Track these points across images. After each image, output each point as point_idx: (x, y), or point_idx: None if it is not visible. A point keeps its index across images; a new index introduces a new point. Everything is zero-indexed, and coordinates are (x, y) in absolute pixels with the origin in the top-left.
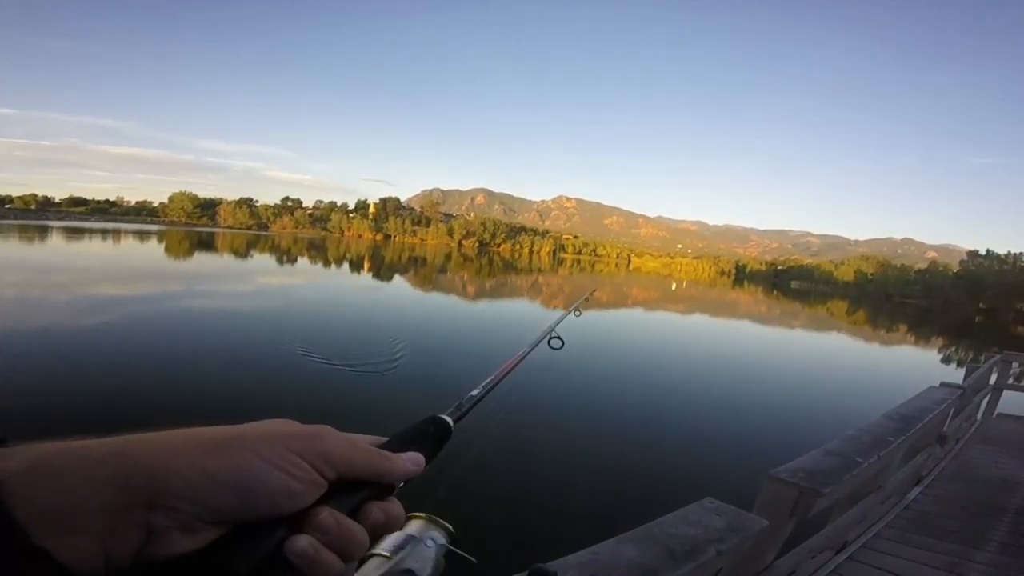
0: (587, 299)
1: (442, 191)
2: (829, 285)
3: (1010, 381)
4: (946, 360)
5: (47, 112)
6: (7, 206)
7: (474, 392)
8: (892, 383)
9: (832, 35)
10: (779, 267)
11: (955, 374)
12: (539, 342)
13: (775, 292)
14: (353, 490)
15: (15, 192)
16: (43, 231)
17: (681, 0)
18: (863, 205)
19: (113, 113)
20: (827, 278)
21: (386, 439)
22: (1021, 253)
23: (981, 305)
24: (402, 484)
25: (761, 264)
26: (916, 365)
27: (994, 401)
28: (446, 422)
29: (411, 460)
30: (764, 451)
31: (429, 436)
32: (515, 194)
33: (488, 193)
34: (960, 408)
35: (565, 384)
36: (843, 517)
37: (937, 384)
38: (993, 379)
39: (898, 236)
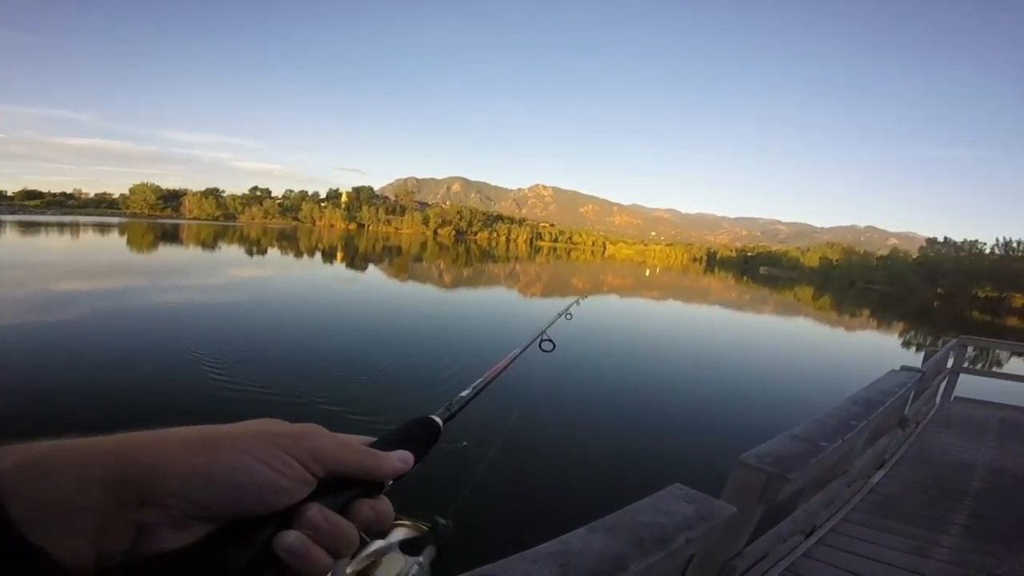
0: (578, 303)
1: (417, 180)
2: (796, 271)
3: (965, 365)
4: (906, 344)
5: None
6: None
7: (464, 393)
8: (856, 367)
9: (799, 27)
10: (749, 254)
11: (915, 358)
12: (529, 345)
13: (745, 278)
14: (343, 488)
15: None
16: None
17: None
18: (829, 194)
19: (70, 104)
20: (794, 264)
21: (375, 439)
22: (977, 241)
23: (940, 291)
24: (391, 483)
25: (731, 251)
26: (878, 349)
27: (951, 385)
28: (435, 422)
29: (400, 458)
30: (733, 436)
31: (418, 436)
32: (492, 182)
33: (464, 181)
34: (920, 392)
35: (536, 372)
36: (811, 501)
37: (898, 368)
38: (950, 363)
39: (861, 224)
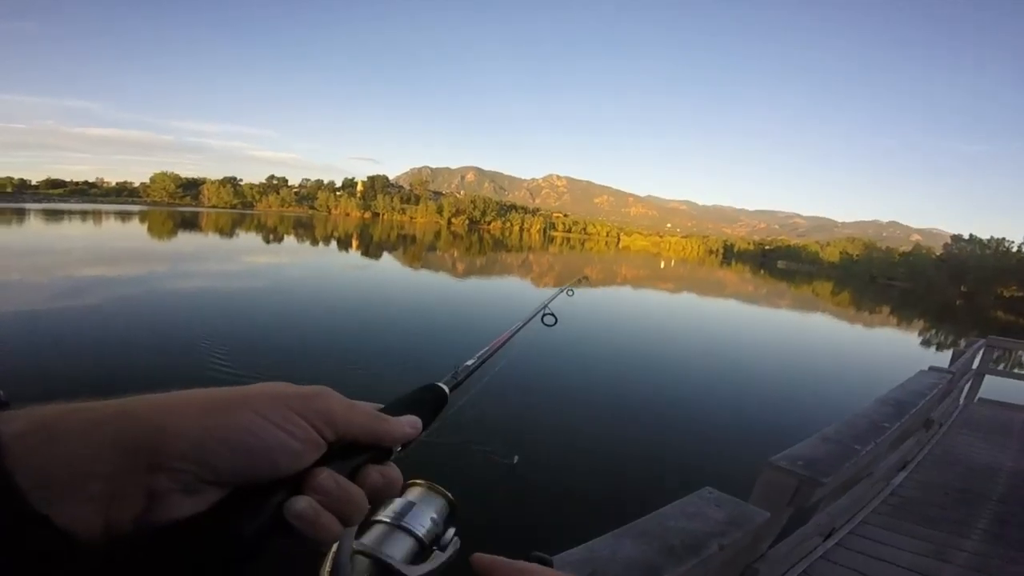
0: (580, 280)
1: (431, 169)
2: (815, 266)
3: (990, 366)
4: (927, 343)
5: (19, 95)
6: None
7: (469, 362)
8: (879, 365)
9: (819, 19)
10: (767, 247)
11: (938, 357)
12: (532, 318)
13: (762, 272)
14: (352, 453)
15: None
16: (20, 214)
17: None
18: (850, 188)
19: (89, 95)
20: (813, 259)
21: (383, 405)
22: (1003, 239)
23: (963, 289)
24: (400, 449)
25: (749, 244)
26: (901, 347)
27: (976, 386)
28: (442, 390)
29: (409, 423)
30: (756, 435)
31: (426, 403)
32: (506, 172)
33: (478, 171)
34: (946, 392)
35: (559, 368)
36: (835, 504)
37: (924, 368)
38: (976, 364)
39: (884, 219)
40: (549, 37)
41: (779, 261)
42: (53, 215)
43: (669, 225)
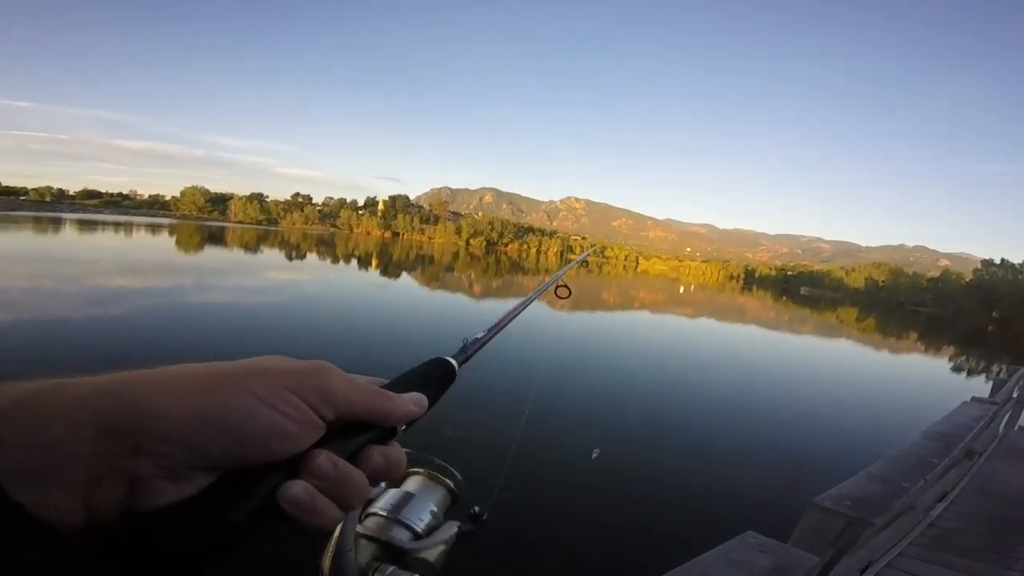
0: (595, 251)
1: (451, 189)
2: (839, 292)
3: None
4: (957, 369)
5: (63, 106)
6: (22, 198)
7: (479, 335)
8: (915, 395)
9: (843, 39)
10: (789, 273)
11: (973, 385)
12: (545, 288)
13: (784, 298)
14: (353, 432)
15: (30, 184)
16: (57, 223)
17: (691, 2)
18: (875, 211)
19: (126, 107)
20: (837, 285)
21: (387, 381)
22: None
23: (995, 315)
24: (404, 428)
25: (771, 269)
26: (934, 376)
27: (1016, 414)
28: (450, 364)
29: (415, 401)
30: (791, 471)
31: (432, 378)
32: (523, 194)
33: (496, 192)
34: (988, 422)
35: (583, 400)
36: (876, 539)
37: (964, 398)
38: (1016, 392)
39: (910, 243)
40: (570, 59)
41: (802, 287)
42: (87, 225)
43: (688, 249)
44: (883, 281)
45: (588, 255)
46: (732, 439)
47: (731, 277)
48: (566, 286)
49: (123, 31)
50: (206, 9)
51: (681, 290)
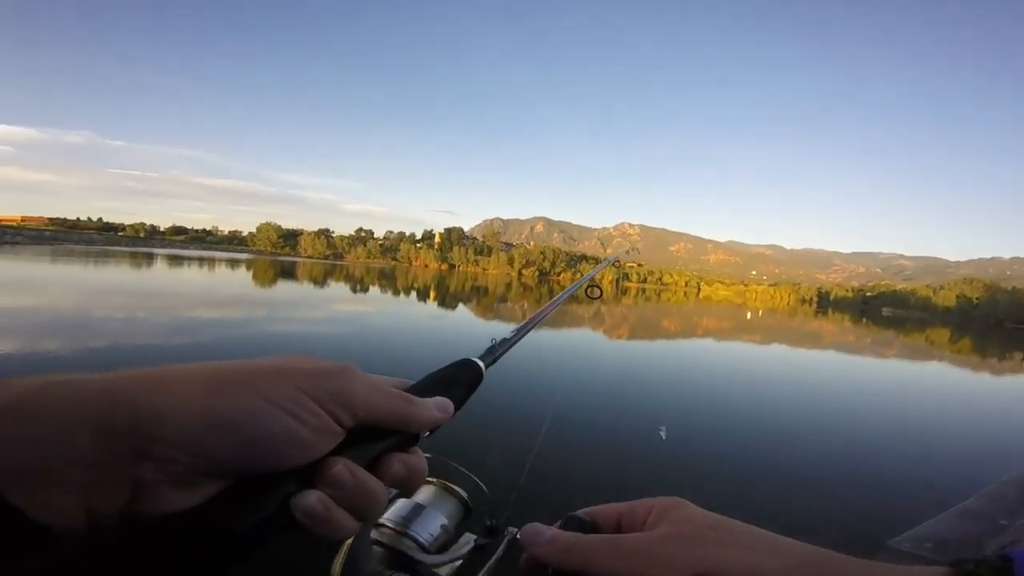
0: (629, 252)
1: (502, 220)
2: (927, 312)
3: None
4: None
5: (155, 145)
6: (120, 234)
7: (507, 335)
8: (1020, 424)
9: (916, 42)
10: (867, 293)
11: None
12: (575, 288)
13: (864, 320)
14: (373, 439)
15: (126, 220)
16: (149, 258)
17: (751, 20)
18: (962, 223)
19: (205, 145)
20: (924, 304)
21: (410, 383)
22: None
23: None
24: (427, 434)
25: (847, 291)
26: None
27: None
28: (477, 366)
29: (439, 406)
30: (866, 507)
31: (458, 381)
32: (575, 222)
33: (547, 221)
34: None
35: (645, 435)
36: None
37: None
38: None
39: (1006, 256)
40: (621, 83)
41: (884, 308)
42: (175, 260)
43: (754, 272)
44: (978, 298)
45: (619, 256)
46: (792, 470)
47: (803, 300)
48: (598, 286)
49: (215, 73)
50: (271, 48)
51: (748, 316)
